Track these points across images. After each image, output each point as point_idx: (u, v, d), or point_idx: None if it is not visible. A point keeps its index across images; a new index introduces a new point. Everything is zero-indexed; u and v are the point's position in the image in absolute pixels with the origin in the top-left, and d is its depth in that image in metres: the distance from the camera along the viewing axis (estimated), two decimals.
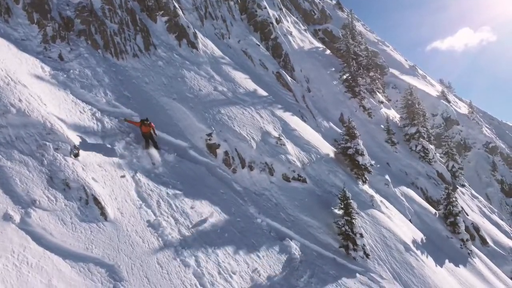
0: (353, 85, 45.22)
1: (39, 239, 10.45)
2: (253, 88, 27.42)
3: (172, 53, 24.93)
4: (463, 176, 48.61)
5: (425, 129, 46.69)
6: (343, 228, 18.80)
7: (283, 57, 40.41)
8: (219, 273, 12.94)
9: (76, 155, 13.66)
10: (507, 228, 46.73)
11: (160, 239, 12.89)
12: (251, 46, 36.21)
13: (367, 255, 18.72)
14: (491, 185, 65.77)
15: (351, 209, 19.31)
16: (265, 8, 42.15)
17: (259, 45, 37.44)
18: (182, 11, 29.05)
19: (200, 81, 24.05)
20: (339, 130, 34.06)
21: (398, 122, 47.77)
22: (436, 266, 22.93)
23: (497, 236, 39.48)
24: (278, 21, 45.83)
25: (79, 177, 12.89)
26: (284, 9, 52.23)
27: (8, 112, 13.04)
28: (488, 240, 36.21)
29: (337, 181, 23.19)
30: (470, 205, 44.13)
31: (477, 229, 35.92)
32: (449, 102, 78.04)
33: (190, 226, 14.20)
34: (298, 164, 21.87)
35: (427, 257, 22.75)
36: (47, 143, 13.10)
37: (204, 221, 14.88)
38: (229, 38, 35.36)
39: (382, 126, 42.83)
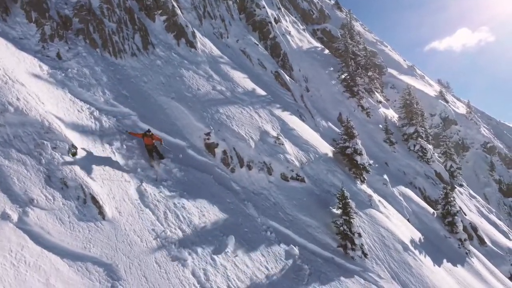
0: (352, 85, 45.24)
1: (37, 238, 10.43)
2: (252, 87, 27.41)
3: (171, 52, 24.90)
4: (461, 176, 48.67)
5: (423, 129, 46.73)
6: (341, 228, 18.80)
7: (281, 57, 40.39)
8: (218, 272, 12.92)
9: (74, 154, 13.64)
10: (505, 228, 46.85)
11: (158, 238, 12.87)
12: (249, 46, 36.18)
13: (365, 255, 18.72)
14: (489, 185, 65.91)
15: (349, 209, 19.30)
16: (264, 7, 42.13)
17: (257, 45, 37.41)
18: (180, 10, 29.00)
19: (199, 80, 24.02)
20: (337, 130, 34.09)
21: (396, 122, 47.82)
22: (434, 265, 22.94)
23: (495, 236, 39.57)
24: (277, 21, 45.80)
25: (77, 176, 12.86)
26: (282, 9, 52.22)
27: (6, 111, 13.01)
28: (486, 240, 36.29)
29: (336, 180, 23.19)
30: (468, 205, 44.21)
31: (475, 229, 35.99)
32: (447, 102, 78.18)
33: (190, 226, 14.19)
34: (297, 163, 21.86)
35: (425, 256, 22.76)
36: (45, 142, 13.08)
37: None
38: (227, 37, 35.32)
39: (381, 126, 42.86)
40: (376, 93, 51.62)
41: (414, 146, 43.16)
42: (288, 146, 22.78)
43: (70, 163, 13.15)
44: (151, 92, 20.88)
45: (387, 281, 18.12)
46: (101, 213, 12.42)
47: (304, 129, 27.39)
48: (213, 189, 17.19)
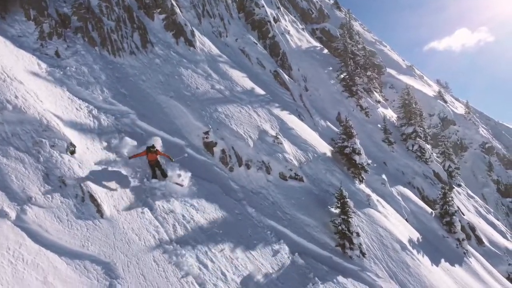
0: (351, 85, 45.26)
1: (35, 236, 10.40)
2: (251, 86, 27.41)
3: (169, 51, 24.88)
4: (459, 176, 48.77)
5: (422, 129, 46.79)
6: (339, 227, 18.82)
7: (280, 56, 40.39)
8: (217, 271, 12.92)
9: (73, 152, 13.61)
10: (502, 228, 46.94)
11: (156, 237, 12.86)
12: (248, 45, 36.17)
13: (363, 254, 18.74)
14: (487, 185, 66.00)
15: (347, 208, 19.32)
16: (263, 6, 42.10)
17: (256, 44, 37.41)
18: (179, 9, 28.97)
19: (198, 79, 24.01)
20: (336, 129, 34.12)
21: (395, 121, 47.87)
22: (432, 265, 22.99)
23: (493, 236, 39.65)
24: (276, 20, 45.78)
25: (75, 174, 12.85)
26: (282, 8, 52.20)
27: (4, 108, 12.97)
28: (484, 240, 36.37)
29: (334, 180, 23.21)
30: (466, 205, 44.28)
31: (473, 228, 36.06)
32: (446, 102, 78.24)
33: (189, 225, 14.19)
34: (295, 162, 21.87)
35: (423, 256, 22.80)
36: (43, 140, 13.05)
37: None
38: (226, 36, 35.30)
39: (379, 126, 42.90)
40: (375, 92, 51.66)
41: (413, 146, 43.22)
42: (287, 145, 22.78)
43: (69, 161, 13.13)
44: (150, 91, 20.86)
45: (385, 281, 18.15)
46: (99, 211, 12.39)
47: (303, 128, 27.40)
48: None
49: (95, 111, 16.83)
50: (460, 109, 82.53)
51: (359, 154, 26.02)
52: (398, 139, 43.95)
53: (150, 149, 15.25)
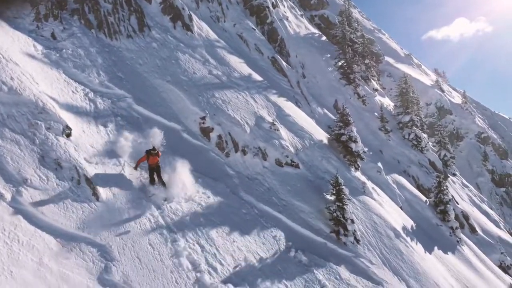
0: (348, 72, 45.10)
1: (30, 218, 10.42)
2: (248, 72, 27.28)
3: (167, 35, 24.67)
4: (454, 165, 48.98)
5: (418, 117, 46.82)
6: (334, 214, 18.92)
7: (278, 42, 40.14)
8: (211, 255, 13.01)
9: (68, 135, 13.57)
10: (496, 217, 47.34)
11: (152, 220, 12.91)
12: (246, 30, 35.91)
13: (357, 241, 18.89)
14: (482, 174, 66.39)
15: (343, 195, 19.41)
16: None
17: (254, 30, 37.15)
18: None
19: (195, 64, 23.87)
20: (333, 117, 34.09)
21: (392, 110, 47.83)
22: (425, 252, 23.22)
23: (486, 225, 40.02)
24: (275, 6, 45.37)
25: (71, 157, 12.83)
26: None
27: None
28: (477, 229, 36.70)
29: (330, 167, 23.26)
30: (461, 194, 44.58)
31: (466, 217, 36.36)
32: (443, 91, 78.21)
33: (185, 208, 14.25)
34: (291, 149, 21.90)
35: (416, 243, 23.01)
36: (39, 122, 13.00)
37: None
38: (224, 21, 35.02)
39: (376, 114, 42.90)
40: (372, 81, 51.53)
41: (409, 134, 43.28)
42: (284, 132, 22.78)
43: (64, 144, 13.09)
44: (147, 75, 20.74)
45: (378, 267, 18.33)
46: (95, 194, 12.42)
47: (300, 115, 27.37)
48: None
49: (91, 94, 16.75)
50: (457, 99, 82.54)
51: (355, 141, 26.05)
52: (395, 128, 43.99)
53: (151, 152, 14.24)
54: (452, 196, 35.48)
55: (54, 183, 11.79)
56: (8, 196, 10.51)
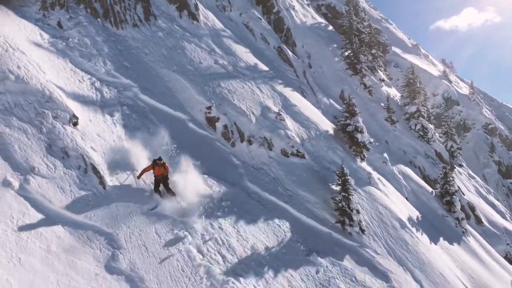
0: (355, 62, 44.80)
1: (38, 206, 10.53)
2: (254, 62, 27.17)
3: (173, 24, 24.58)
4: (461, 156, 48.71)
5: (425, 108, 46.49)
6: (340, 204, 18.93)
7: (285, 32, 39.90)
8: (218, 243, 13.09)
9: (75, 124, 13.62)
10: (502, 208, 47.20)
11: (158, 209, 12.98)
12: (252, 20, 35.68)
13: (362, 231, 18.91)
14: (488, 166, 66.05)
15: (348, 186, 19.41)
16: None
17: (261, 19, 36.90)
18: None
19: (201, 53, 23.79)
20: (339, 107, 33.97)
21: (398, 100, 47.56)
22: (430, 243, 23.22)
23: (492, 216, 39.92)
24: None
25: (78, 146, 12.89)
26: None
27: (6, 78, 12.94)
28: (483, 220, 36.62)
29: (336, 157, 23.23)
30: (467, 185, 44.43)
31: (472, 208, 36.26)
32: (450, 82, 77.59)
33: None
34: (297, 139, 21.87)
35: (422, 234, 23.02)
36: (46, 111, 13.05)
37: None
38: (230, 10, 34.79)
39: (383, 104, 42.66)
40: (379, 71, 51.19)
41: (416, 125, 43.05)
42: (289, 122, 22.74)
43: (71, 133, 13.15)
44: (153, 64, 20.71)
45: (383, 257, 18.37)
46: (102, 183, 12.50)
47: (306, 105, 27.29)
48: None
49: (97, 84, 16.76)
50: (465, 90, 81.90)
51: (361, 132, 25.96)
52: (401, 118, 43.77)
53: (157, 162, 13.39)
54: (458, 187, 35.37)
55: (62, 172, 11.87)
56: (16, 184, 10.60)
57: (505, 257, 32.63)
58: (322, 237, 17.39)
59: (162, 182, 13.64)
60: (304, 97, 30.33)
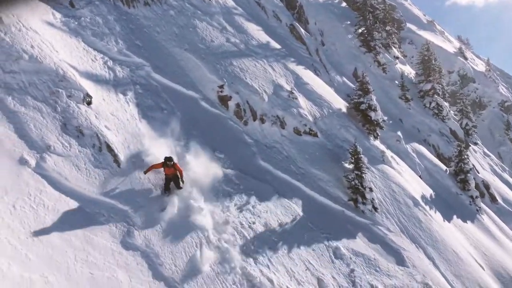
0: (369, 40, 44.05)
1: (54, 183, 10.73)
2: (266, 40, 26.90)
3: (184, 2, 24.34)
4: (476, 134, 48.12)
5: (440, 86, 45.75)
6: (352, 182, 18.92)
7: (297, 9, 39.31)
8: (232, 221, 13.26)
9: (89, 103, 13.73)
10: None
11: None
12: None
13: (375, 209, 18.93)
14: (504, 144, 65.23)
15: (361, 164, 19.35)
16: None
17: None
18: None
19: (212, 32, 23.62)
20: (352, 85, 33.58)
21: (413, 78, 46.84)
22: (444, 221, 23.17)
23: (507, 194, 39.57)
24: None
25: (92, 124, 13.02)
26: None
27: (20, 58, 13.04)
28: (498, 198, 36.33)
29: (349, 136, 23.11)
30: (482, 163, 44.00)
31: (487, 186, 35.96)
32: (466, 59, 76.15)
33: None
34: (310, 118, 21.77)
35: (435, 212, 22.96)
36: (60, 90, 13.16)
37: None
38: None
39: (397, 82, 42.08)
40: (393, 48, 50.33)
41: (430, 103, 42.47)
42: (302, 100, 22.61)
43: (85, 112, 13.27)
44: (164, 43, 20.64)
45: (396, 235, 18.41)
46: (116, 161, 12.66)
47: (318, 83, 27.06)
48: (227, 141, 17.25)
49: (110, 63, 16.78)
50: (481, 67, 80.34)
51: (374, 110, 25.71)
52: (415, 96, 43.17)
53: (167, 163, 12.61)
54: (473, 165, 35.05)
55: (77, 150, 12.04)
56: (33, 163, 10.80)
57: None
58: (335, 215, 17.46)
59: (173, 181, 12.90)
60: (317, 75, 30.06)
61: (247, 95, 20.37)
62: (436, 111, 41.87)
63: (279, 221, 14.75)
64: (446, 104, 43.79)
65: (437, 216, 22.62)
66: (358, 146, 19.74)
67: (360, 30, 45.01)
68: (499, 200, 36.12)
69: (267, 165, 17.66)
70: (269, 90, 21.46)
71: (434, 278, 17.15)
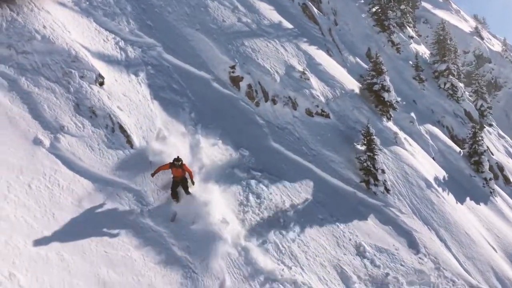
0: (383, 19, 43.24)
1: (68, 163, 10.87)
2: (278, 20, 26.55)
3: None
4: (491, 115, 47.34)
5: (455, 66, 44.94)
6: (365, 164, 18.81)
7: None
8: (243, 203, 13.34)
9: (101, 84, 13.76)
10: None
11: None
12: None
13: (387, 190, 18.85)
14: None
15: (374, 145, 19.20)
16: None
17: None
18: None
19: (224, 11, 23.36)
20: (365, 66, 33.12)
21: (427, 58, 46.07)
22: (456, 203, 23.02)
23: None
24: None
25: (105, 105, 13.08)
26: None
27: (33, 38, 13.08)
28: None
29: (361, 117, 22.90)
30: (496, 144, 43.46)
31: (501, 168, 35.57)
32: (482, 39, 74.55)
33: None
34: (322, 99, 21.58)
35: (448, 194, 22.80)
36: (73, 70, 13.20)
37: None
38: None
39: (411, 62, 41.43)
40: (408, 28, 49.41)
41: (445, 84, 41.80)
42: (314, 81, 22.38)
43: (98, 93, 13.32)
44: (176, 23, 20.49)
45: (408, 216, 18.36)
46: (129, 142, 12.74)
47: (331, 64, 26.73)
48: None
49: (122, 43, 16.73)
50: (497, 47, 78.61)
51: (388, 91, 25.37)
52: (430, 77, 42.51)
53: (175, 163, 11.98)
54: (487, 147, 34.58)
55: (90, 130, 12.13)
56: (47, 143, 10.92)
57: None
58: (347, 196, 17.45)
59: (182, 184, 12.21)
60: (330, 55, 29.67)
61: (259, 75, 20.22)
62: (451, 92, 41.24)
63: (292, 201, 14.78)
64: (461, 85, 43.07)
65: (450, 198, 22.48)
66: (370, 128, 19.57)
67: (374, 9, 44.14)
68: None
69: (278, 146, 17.63)
70: (281, 71, 21.27)
71: (446, 260, 17.12)
